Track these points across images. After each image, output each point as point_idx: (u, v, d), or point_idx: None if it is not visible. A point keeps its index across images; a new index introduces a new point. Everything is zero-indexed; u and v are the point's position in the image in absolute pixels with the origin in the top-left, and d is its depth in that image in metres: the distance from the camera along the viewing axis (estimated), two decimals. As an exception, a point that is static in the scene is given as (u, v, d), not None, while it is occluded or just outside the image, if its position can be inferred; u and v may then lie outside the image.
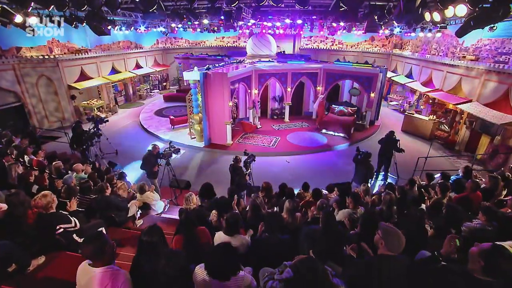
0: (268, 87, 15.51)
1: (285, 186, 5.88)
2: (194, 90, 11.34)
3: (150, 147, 7.66)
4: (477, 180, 4.98)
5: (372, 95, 13.97)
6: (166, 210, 6.45)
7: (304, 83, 15.98)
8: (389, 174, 9.52)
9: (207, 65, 11.75)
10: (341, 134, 13.29)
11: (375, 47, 22.49)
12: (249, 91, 13.78)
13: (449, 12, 4.86)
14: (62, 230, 3.27)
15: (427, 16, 5.65)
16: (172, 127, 13.84)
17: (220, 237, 3.01)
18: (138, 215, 5.30)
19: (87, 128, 10.12)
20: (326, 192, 6.51)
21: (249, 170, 6.77)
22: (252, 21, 11.50)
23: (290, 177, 9.59)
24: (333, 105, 15.37)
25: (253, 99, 13.97)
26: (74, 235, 3.38)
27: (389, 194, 4.37)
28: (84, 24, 7.93)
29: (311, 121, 15.49)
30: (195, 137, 12.49)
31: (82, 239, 2.03)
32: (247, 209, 4.64)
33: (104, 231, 3.82)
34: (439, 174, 6.22)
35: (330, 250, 3.12)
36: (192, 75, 11.05)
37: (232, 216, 3.00)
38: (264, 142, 12.66)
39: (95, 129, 9.97)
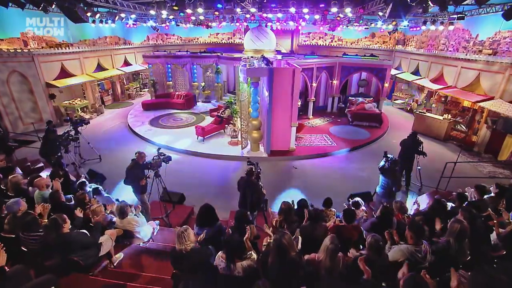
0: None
1: (305, 205, 4.67)
2: (255, 91, 9.76)
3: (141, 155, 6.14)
4: None
5: (386, 85, 14.72)
6: (155, 234, 5.16)
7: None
8: (411, 182, 8.42)
9: (266, 61, 10.33)
10: (373, 124, 13.64)
11: (376, 44, 21.53)
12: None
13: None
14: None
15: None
16: (202, 138, 11.65)
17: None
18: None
19: (66, 130, 8.69)
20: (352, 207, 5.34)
21: (260, 183, 5.49)
22: (253, 10, 10.24)
23: (299, 186, 8.44)
24: (350, 97, 15.42)
25: None
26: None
27: (459, 223, 3.19)
28: (54, 6, 6.57)
29: (328, 115, 15.53)
30: (246, 146, 10.64)
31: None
32: (265, 245, 3.41)
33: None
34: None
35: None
36: (256, 72, 9.50)
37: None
38: (320, 142, 11.75)
39: (74, 132, 8.58)
